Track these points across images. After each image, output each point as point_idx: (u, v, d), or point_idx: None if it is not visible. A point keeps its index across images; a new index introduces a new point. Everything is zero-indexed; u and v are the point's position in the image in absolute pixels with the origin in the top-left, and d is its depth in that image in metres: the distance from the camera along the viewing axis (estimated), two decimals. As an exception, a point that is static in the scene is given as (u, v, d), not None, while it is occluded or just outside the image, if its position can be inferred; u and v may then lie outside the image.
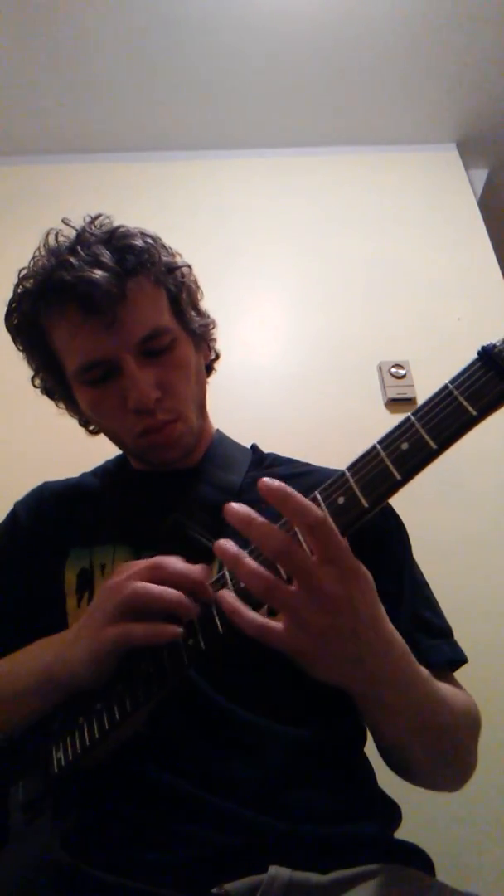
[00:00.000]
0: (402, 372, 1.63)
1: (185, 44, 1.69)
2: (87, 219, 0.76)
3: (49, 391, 0.83)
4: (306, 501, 0.46)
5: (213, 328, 0.85)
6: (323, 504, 0.49)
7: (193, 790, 0.57)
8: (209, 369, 0.88)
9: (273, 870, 0.53)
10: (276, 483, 0.46)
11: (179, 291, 0.78)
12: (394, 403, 1.60)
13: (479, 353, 0.45)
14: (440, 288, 1.80)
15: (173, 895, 0.51)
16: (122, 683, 0.56)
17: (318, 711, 0.66)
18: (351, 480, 0.48)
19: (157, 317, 0.73)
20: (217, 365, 0.90)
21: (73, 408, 0.83)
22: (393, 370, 1.63)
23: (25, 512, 0.84)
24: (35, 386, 0.83)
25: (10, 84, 1.75)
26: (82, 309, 0.68)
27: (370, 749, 0.71)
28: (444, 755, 0.63)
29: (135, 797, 0.58)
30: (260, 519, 0.47)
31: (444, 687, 0.62)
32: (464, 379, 0.45)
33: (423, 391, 1.60)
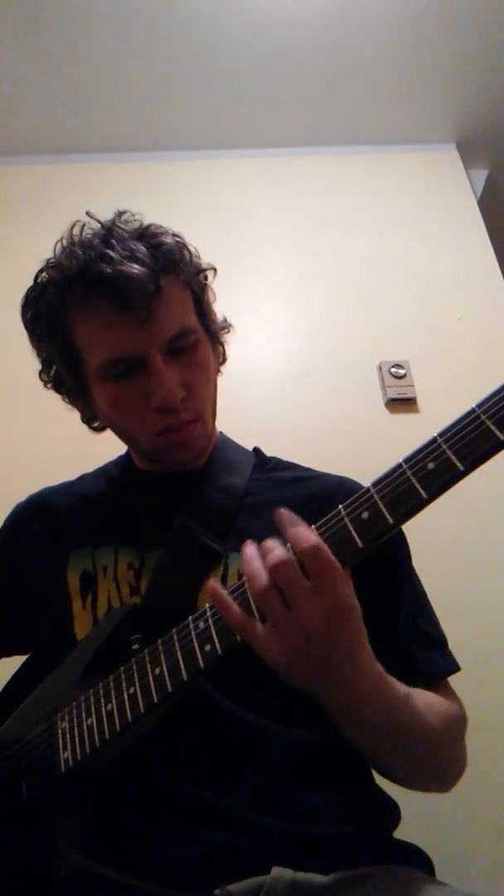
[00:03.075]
0: (402, 372, 1.63)
1: (184, 44, 1.69)
2: (115, 213, 0.75)
3: (58, 385, 0.81)
4: (306, 530, 0.50)
5: (228, 332, 0.85)
6: (346, 518, 0.49)
7: (197, 791, 0.57)
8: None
9: (276, 871, 0.53)
10: (286, 512, 0.52)
11: (203, 293, 0.79)
12: (394, 403, 1.59)
13: None
14: (440, 288, 1.80)
15: (176, 893, 0.51)
16: (135, 686, 0.56)
17: (318, 714, 0.66)
18: (376, 496, 0.48)
19: (186, 316, 0.73)
20: (223, 368, 0.90)
21: (81, 403, 0.81)
22: (393, 370, 1.63)
23: (12, 522, 0.85)
24: (42, 380, 0.81)
25: (11, 84, 1.75)
26: (116, 303, 0.67)
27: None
28: (424, 764, 0.63)
29: (138, 798, 0.58)
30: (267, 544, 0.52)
31: (424, 702, 0.62)
32: (491, 404, 0.46)
33: (423, 391, 1.60)
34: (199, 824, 0.56)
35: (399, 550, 0.76)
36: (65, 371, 0.77)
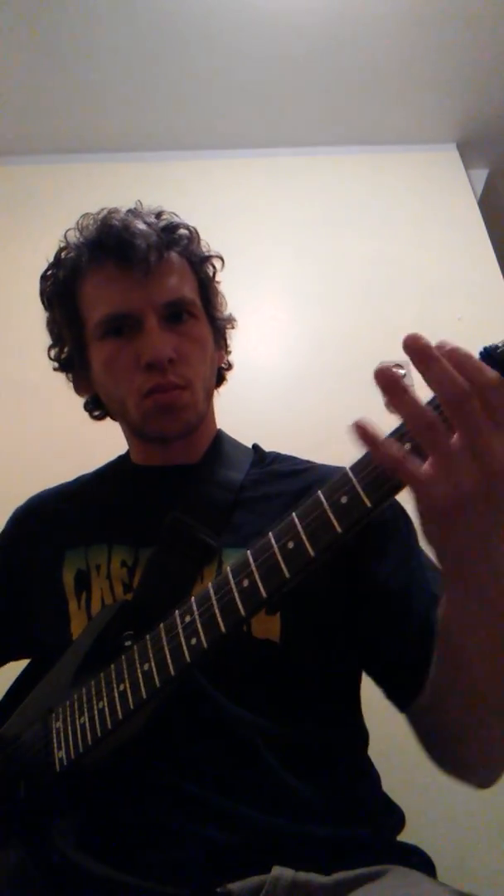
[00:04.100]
0: (402, 372, 1.63)
1: (184, 44, 1.69)
2: (136, 202, 0.82)
3: (64, 362, 0.83)
4: (482, 364, 0.43)
5: (231, 327, 0.87)
6: (326, 503, 0.48)
7: (196, 789, 0.57)
8: (220, 378, 0.88)
9: (276, 870, 0.53)
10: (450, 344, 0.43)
11: (209, 282, 0.83)
12: (394, 404, 1.59)
13: (480, 353, 0.45)
14: (440, 288, 1.80)
15: (177, 891, 0.51)
16: (125, 683, 0.56)
17: (317, 713, 0.66)
18: (354, 479, 0.47)
19: (187, 290, 0.77)
20: (228, 375, 0.91)
21: (84, 379, 0.83)
22: (393, 370, 1.63)
23: (11, 526, 0.85)
24: (50, 357, 0.84)
25: (11, 84, 1.75)
26: (120, 261, 0.72)
27: (375, 755, 0.71)
28: None
29: (137, 797, 0.58)
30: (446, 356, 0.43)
31: None
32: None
33: (424, 391, 1.59)
34: (199, 823, 0.56)
35: (404, 527, 0.73)
36: (69, 336, 0.79)
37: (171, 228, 0.78)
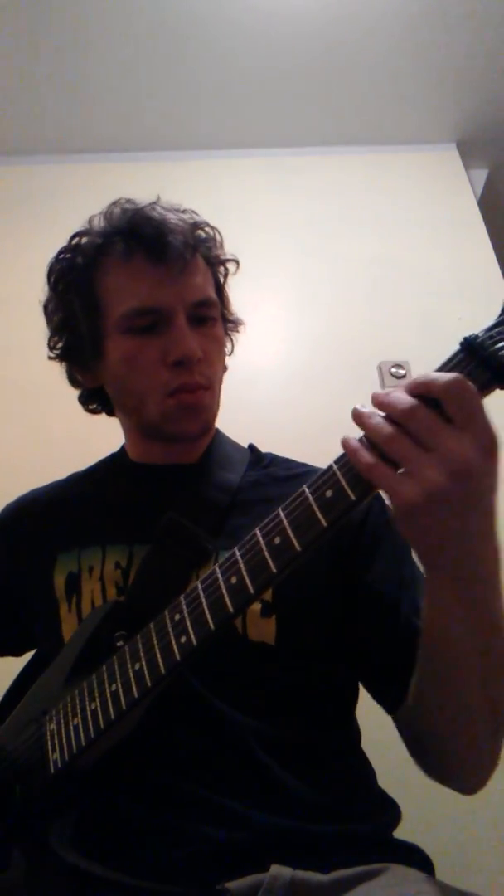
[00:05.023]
0: (401, 372, 1.63)
1: (184, 44, 1.69)
2: (157, 198, 0.80)
3: (66, 350, 0.80)
4: (436, 374, 0.45)
5: (237, 331, 0.88)
6: (312, 498, 0.48)
7: (193, 789, 0.57)
8: None
9: (275, 869, 0.53)
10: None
11: (224, 283, 0.84)
12: (394, 403, 1.59)
13: (461, 343, 0.46)
14: (440, 288, 1.80)
15: (175, 889, 0.51)
16: (116, 683, 0.56)
17: (312, 714, 0.66)
18: (338, 474, 0.48)
19: (211, 290, 0.77)
20: (224, 377, 0.90)
21: (91, 371, 0.79)
22: (393, 370, 1.64)
23: (1, 526, 0.84)
24: (49, 346, 0.81)
25: (10, 84, 1.75)
26: (152, 254, 0.71)
27: (373, 752, 0.71)
28: (498, 708, 0.55)
29: (134, 796, 0.58)
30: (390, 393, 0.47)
31: None
32: (452, 366, 0.47)
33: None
34: (197, 822, 0.56)
35: (396, 535, 0.71)
36: (84, 325, 0.76)
37: (197, 227, 0.78)
